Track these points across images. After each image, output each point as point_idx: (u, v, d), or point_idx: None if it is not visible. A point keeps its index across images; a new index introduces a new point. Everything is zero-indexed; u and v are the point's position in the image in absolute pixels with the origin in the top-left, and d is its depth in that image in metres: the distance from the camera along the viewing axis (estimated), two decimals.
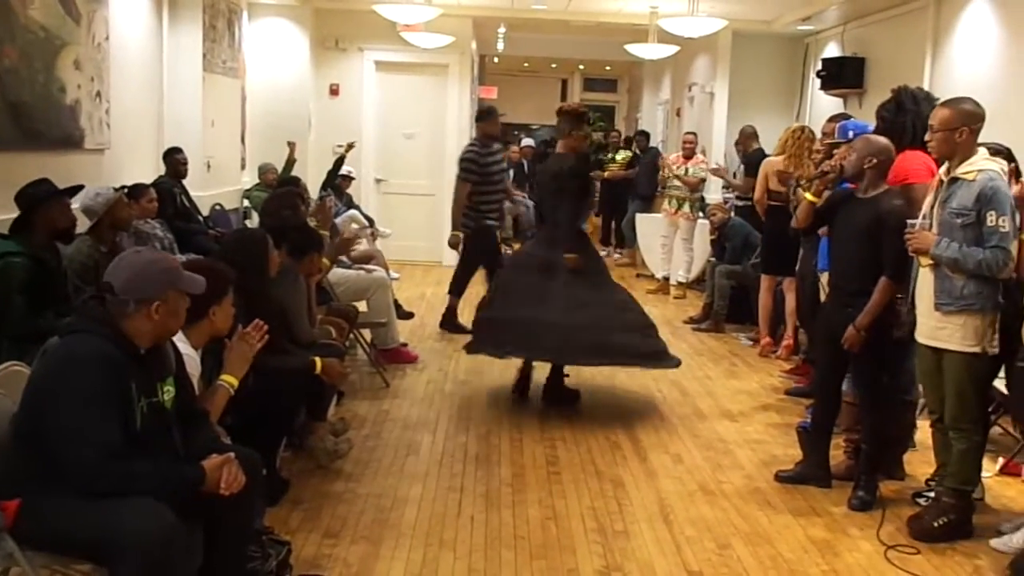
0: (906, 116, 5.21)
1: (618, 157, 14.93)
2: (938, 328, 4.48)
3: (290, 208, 6.32)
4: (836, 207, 5.00)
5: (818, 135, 6.82)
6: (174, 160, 8.57)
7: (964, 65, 8.81)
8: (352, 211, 10.87)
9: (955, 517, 4.58)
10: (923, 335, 4.57)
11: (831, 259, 5.11)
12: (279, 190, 7.76)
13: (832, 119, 4.62)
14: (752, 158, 9.63)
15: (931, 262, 4.47)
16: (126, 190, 6.48)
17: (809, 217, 5.05)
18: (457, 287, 9.05)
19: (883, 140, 4.92)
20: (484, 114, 9.35)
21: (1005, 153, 4.77)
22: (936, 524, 4.60)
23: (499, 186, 9.25)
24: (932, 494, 4.87)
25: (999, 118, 4.67)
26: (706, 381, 7.34)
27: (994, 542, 4.52)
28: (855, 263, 4.84)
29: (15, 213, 5.07)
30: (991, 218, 4.28)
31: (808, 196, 4.94)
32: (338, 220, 9.57)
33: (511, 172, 14.45)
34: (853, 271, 4.85)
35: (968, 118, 4.42)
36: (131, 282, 3.14)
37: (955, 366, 4.46)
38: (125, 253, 3.44)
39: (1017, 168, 4.91)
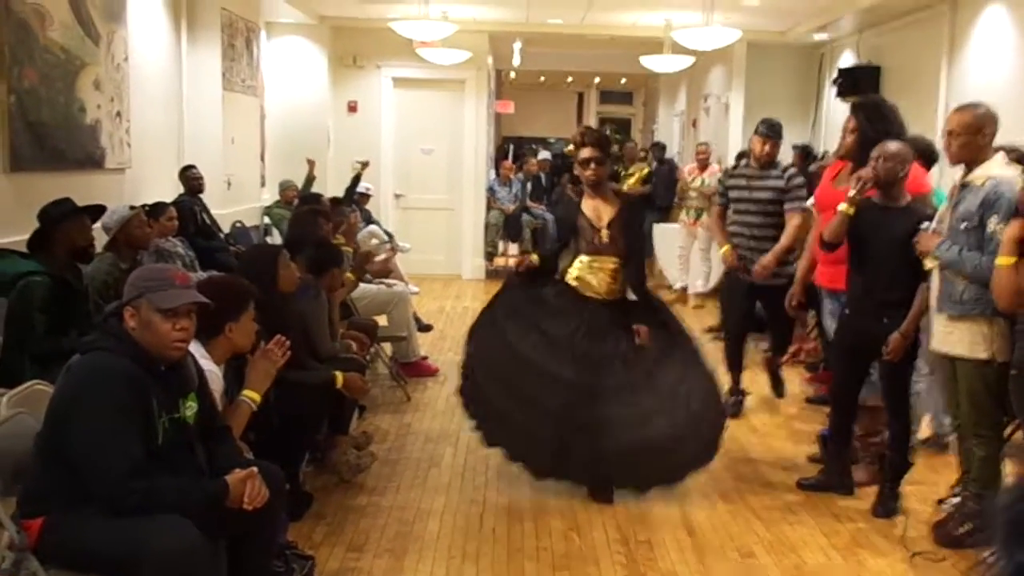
0: (891, 125, 5.18)
1: (635, 172, 14.83)
2: (947, 334, 4.45)
3: (311, 225, 6.34)
4: (859, 218, 4.92)
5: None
6: (188, 177, 8.61)
7: (980, 71, 8.77)
8: (372, 226, 10.89)
9: (979, 523, 4.53)
10: (936, 342, 4.54)
11: (858, 270, 4.95)
12: (302, 208, 7.77)
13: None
14: None
15: (935, 264, 4.46)
16: (147, 208, 6.51)
17: (844, 230, 4.87)
18: None
19: (906, 147, 4.86)
20: None
21: (1017, 155, 4.71)
22: (960, 531, 4.56)
23: None
24: (956, 500, 4.83)
25: (1017, 125, 4.64)
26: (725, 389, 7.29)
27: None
28: (889, 272, 4.75)
29: None
30: (991, 223, 4.24)
31: (846, 209, 4.82)
32: (358, 236, 9.59)
33: (528, 185, 14.51)
34: (886, 280, 4.77)
35: (988, 121, 4.39)
36: (127, 286, 3.20)
37: (967, 374, 4.43)
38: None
39: None
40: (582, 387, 5.09)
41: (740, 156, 12.13)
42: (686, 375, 5.24)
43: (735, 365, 6.81)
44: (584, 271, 5.29)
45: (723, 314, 7.46)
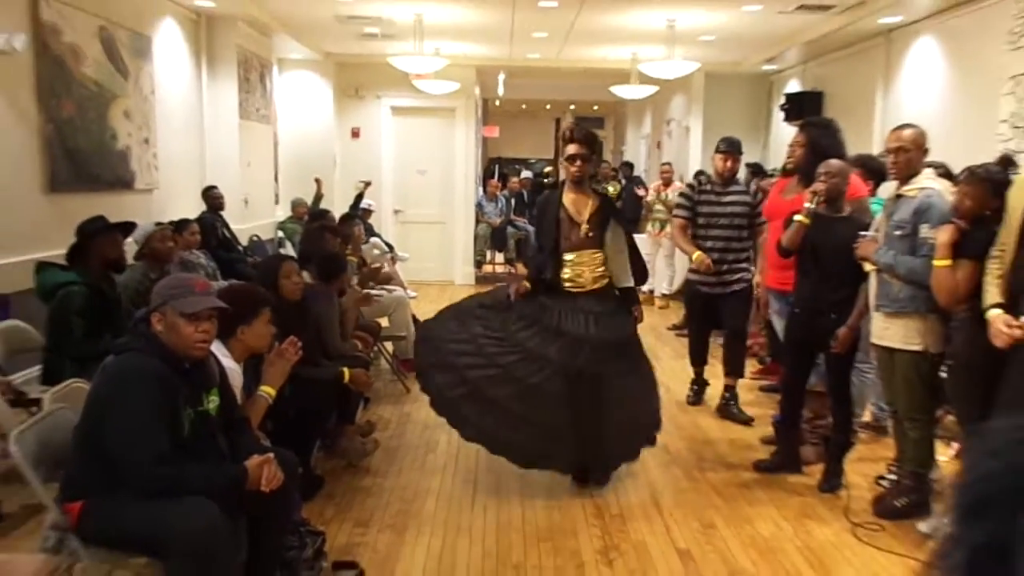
0: (836, 142, 5.20)
1: (610, 189, 14.85)
2: (884, 329, 4.48)
3: (318, 240, 6.35)
4: (808, 228, 4.91)
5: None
6: (210, 196, 8.64)
7: (912, 97, 8.83)
8: (374, 239, 10.88)
9: (915, 497, 4.56)
10: (875, 336, 4.56)
11: (806, 273, 4.92)
12: (312, 225, 7.77)
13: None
14: None
15: (873, 267, 4.48)
16: (172, 225, 6.50)
17: (801, 238, 4.85)
18: None
19: (845, 164, 4.89)
20: None
21: (944, 171, 4.74)
22: (898, 504, 4.59)
23: None
24: (894, 477, 4.86)
25: (945, 144, 4.66)
26: (688, 380, 7.29)
27: (922, 525, 4.45)
28: (834, 275, 4.75)
29: None
30: (924, 230, 4.27)
31: (803, 219, 4.79)
32: (362, 247, 9.58)
33: (512, 201, 14.53)
34: (832, 282, 4.76)
35: (926, 139, 4.43)
36: (153, 294, 3.20)
37: (903, 364, 4.45)
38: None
39: None
40: (545, 370, 4.74)
41: (698, 174, 12.16)
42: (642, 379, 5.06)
43: (698, 360, 6.80)
44: (572, 269, 4.92)
45: (688, 315, 7.36)
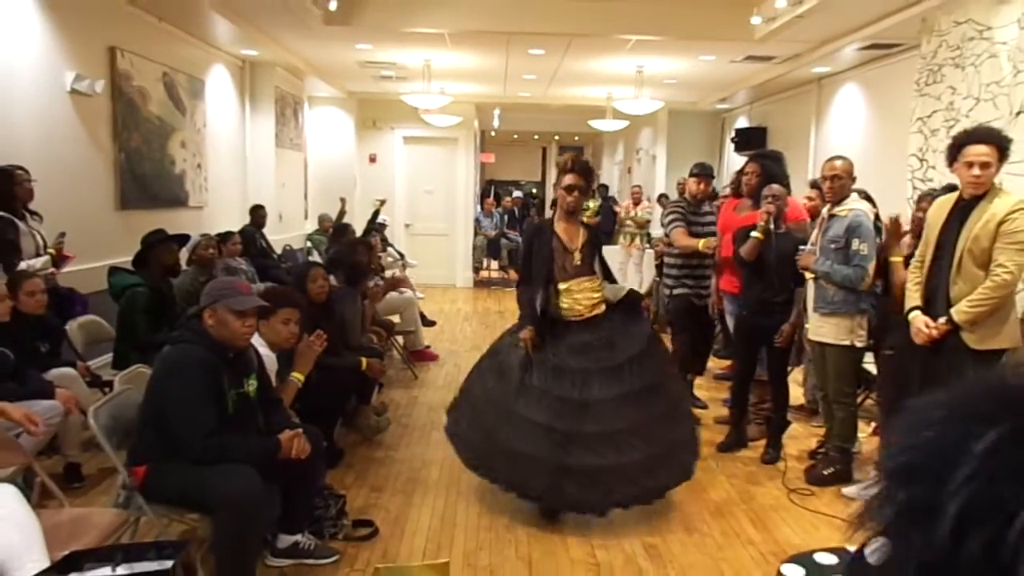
0: (783, 170, 5.23)
1: (590, 204, 14.84)
2: (819, 327, 4.51)
3: (349, 252, 6.36)
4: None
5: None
6: (258, 214, 8.64)
7: (839, 133, 8.88)
8: (389, 248, 10.91)
9: (840, 467, 4.60)
10: (811, 333, 4.60)
11: (754, 281, 4.88)
12: (345, 239, 7.71)
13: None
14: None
15: (812, 276, 4.52)
16: (218, 237, 6.54)
17: (756, 251, 4.79)
18: None
19: (783, 189, 4.91)
20: None
21: (865, 195, 4.80)
22: (826, 472, 4.62)
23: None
24: (822, 451, 4.90)
25: (865, 173, 4.71)
26: None
27: (846, 490, 4.49)
28: (777, 281, 4.76)
29: None
30: (855, 244, 4.32)
31: (758, 235, 4.76)
32: (379, 255, 9.61)
33: (505, 217, 14.56)
34: (778, 287, 4.78)
35: (853, 168, 4.48)
36: (204, 295, 3.22)
37: (833, 356, 4.49)
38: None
39: (877, 210, 4.93)
40: (560, 409, 3.93)
41: (661, 197, 12.23)
42: (669, 407, 4.16)
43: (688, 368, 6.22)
44: (567, 299, 4.22)
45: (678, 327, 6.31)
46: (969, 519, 0.66)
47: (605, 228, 13.58)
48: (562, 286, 4.24)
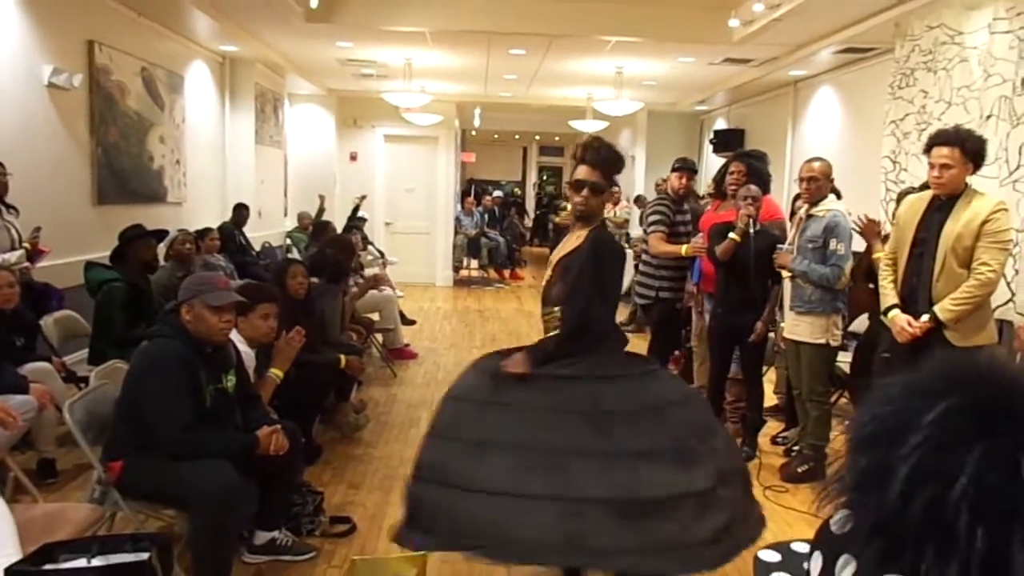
0: (766, 169, 5.26)
1: (568, 206, 14.84)
2: (795, 325, 4.55)
3: (337, 251, 6.33)
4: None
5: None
6: (240, 213, 8.58)
7: (815, 134, 8.96)
8: (369, 246, 10.88)
9: (813, 465, 4.62)
10: (787, 331, 4.64)
11: (728, 279, 4.89)
12: (329, 236, 7.63)
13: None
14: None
15: (789, 274, 4.55)
16: (197, 233, 6.50)
17: (732, 251, 4.79)
18: None
19: (758, 190, 4.93)
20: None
21: (837, 195, 4.84)
22: (799, 470, 4.65)
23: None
24: (797, 448, 4.94)
25: (839, 173, 4.74)
26: None
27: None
28: (752, 279, 4.76)
29: None
30: (832, 244, 4.37)
31: (735, 236, 4.76)
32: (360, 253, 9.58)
33: (486, 216, 14.56)
34: (750, 285, 4.78)
35: (831, 170, 4.52)
36: (181, 290, 3.22)
37: (808, 354, 4.52)
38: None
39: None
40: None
41: (637, 198, 12.28)
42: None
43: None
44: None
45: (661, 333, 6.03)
46: (916, 482, 0.74)
47: None
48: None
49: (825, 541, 0.90)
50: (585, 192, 3.04)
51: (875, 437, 0.80)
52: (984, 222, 3.62)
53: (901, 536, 0.74)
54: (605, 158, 3.09)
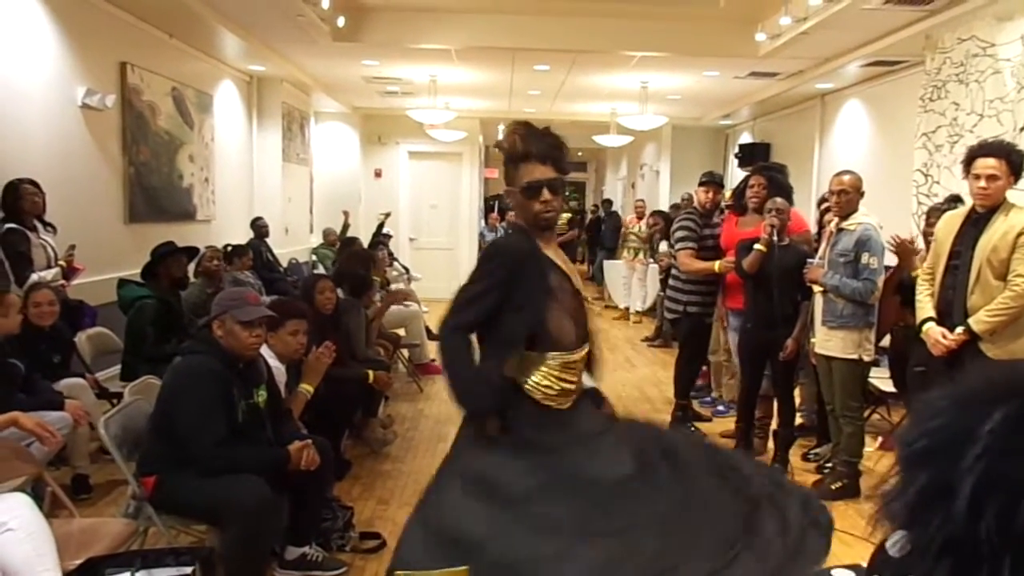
0: (787, 183, 5.23)
1: (564, 216, 14.41)
2: (826, 340, 4.49)
3: (357, 264, 6.36)
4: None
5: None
6: (257, 225, 8.69)
7: (843, 148, 8.91)
8: (394, 262, 10.92)
9: (847, 481, 4.56)
10: (818, 346, 4.60)
11: (757, 294, 4.84)
12: (350, 250, 7.72)
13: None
14: None
15: (821, 289, 4.52)
16: (231, 248, 6.57)
17: (760, 264, 4.76)
18: None
19: (786, 202, 4.92)
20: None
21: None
22: (833, 487, 4.58)
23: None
24: (830, 465, 4.88)
25: (869, 188, 4.71)
26: (661, 385, 7.32)
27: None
28: (781, 294, 4.73)
29: None
30: (865, 257, 4.32)
31: (762, 248, 4.73)
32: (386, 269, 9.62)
33: (510, 232, 14.54)
34: (779, 300, 4.73)
35: (862, 183, 4.49)
36: (213, 306, 3.24)
37: (840, 369, 4.47)
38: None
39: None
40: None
41: (655, 212, 12.18)
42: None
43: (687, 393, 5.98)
44: (565, 375, 2.49)
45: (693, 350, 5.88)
46: (983, 494, 0.72)
47: (609, 243, 13.65)
48: (567, 357, 2.49)
49: (885, 565, 0.87)
50: (546, 193, 2.50)
51: (930, 452, 0.79)
52: (1020, 234, 3.59)
53: (973, 551, 0.72)
54: (553, 145, 2.64)
